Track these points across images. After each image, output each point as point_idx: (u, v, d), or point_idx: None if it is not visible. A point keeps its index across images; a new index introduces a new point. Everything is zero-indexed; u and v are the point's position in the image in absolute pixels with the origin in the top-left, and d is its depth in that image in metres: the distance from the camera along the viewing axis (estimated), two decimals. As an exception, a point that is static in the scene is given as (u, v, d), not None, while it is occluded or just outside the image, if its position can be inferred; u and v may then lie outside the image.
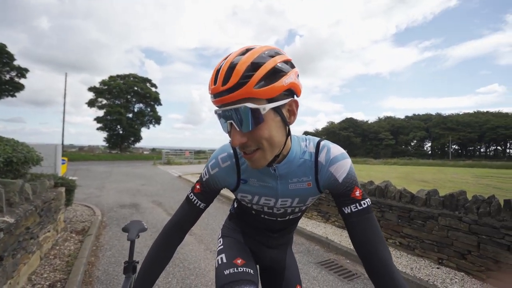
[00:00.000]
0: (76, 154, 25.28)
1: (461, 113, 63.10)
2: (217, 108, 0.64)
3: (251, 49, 0.62)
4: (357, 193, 0.72)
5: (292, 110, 0.67)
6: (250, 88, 0.57)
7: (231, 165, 0.81)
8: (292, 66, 0.65)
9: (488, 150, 61.72)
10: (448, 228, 2.97)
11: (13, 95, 22.19)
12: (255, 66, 0.59)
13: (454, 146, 61.58)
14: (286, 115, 0.66)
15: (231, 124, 0.63)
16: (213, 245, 3.68)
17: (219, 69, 0.61)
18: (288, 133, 0.70)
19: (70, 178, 4.43)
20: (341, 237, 3.95)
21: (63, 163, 7.35)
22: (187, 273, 2.85)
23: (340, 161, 0.74)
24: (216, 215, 5.28)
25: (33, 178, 3.39)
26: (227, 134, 0.67)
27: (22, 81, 22.35)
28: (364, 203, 0.71)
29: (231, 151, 0.81)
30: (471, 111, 64.05)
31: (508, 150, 58.92)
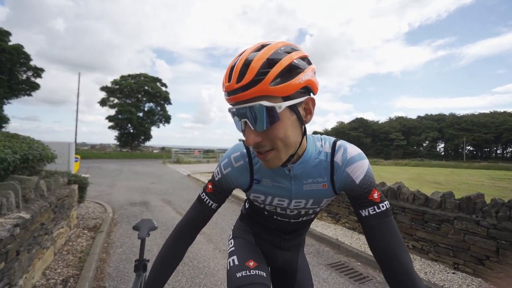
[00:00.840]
0: (88, 152, 25.89)
1: (476, 113, 61.02)
2: (230, 106, 0.63)
3: (267, 45, 0.61)
4: (375, 195, 0.70)
5: (309, 109, 0.65)
6: (266, 86, 0.55)
7: (244, 164, 0.79)
8: (309, 63, 0.64)
9: (505, 152, 59.58)
10: (465, 232, 2.87)
11: (29, 94, 22.90)
12: (271, 62, 0.57)
13: (469, 147, 59.68)
14: (302, 114, 0.64)
15: (245, 122, 0.62)
16: (222, 244, 3.68)
17: (234, 66, 0.59)
18: (304, 133, 0.69)
19: (83, 175, 4.53)
20: (352, 239, 3.88)
21: (76, 161, 7.53)
22: (196, 272, 2.86)
23: (358, 161, 0.72)
24: (225, 215, 5.28)
25: (47, 175, 3.48)
26: (241, 133, 0.66)
27: (37, 80, 23.03)
28: (383, 206, 0.69)
29: (244, 150, 0.80)
30: (487, 111, 61.86)
31: (526, 152, 56.66)
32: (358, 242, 3.77)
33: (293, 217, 0.88)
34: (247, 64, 0.57)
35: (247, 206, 1.07)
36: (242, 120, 0.62)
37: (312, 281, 1.06)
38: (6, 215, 2.08)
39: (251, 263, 0.91)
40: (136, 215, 4.95)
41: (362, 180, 0.71)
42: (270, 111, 0.57)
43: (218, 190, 0.82)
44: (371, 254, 3.32)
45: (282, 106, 0.58)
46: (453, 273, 2.88)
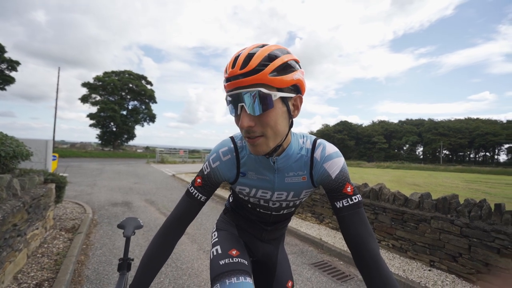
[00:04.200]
0: (68, 151, 24.85)
1: (452, 119, 64.21)
2: (228, 93, 0.68)
3: (267, 45, 0.68)
4: (349, 189, 0.77)
5: (297, 105, 0.72)
6: (266, 75, 0.62)
7: (232, 158, 0.84)
8: (300, 67, 0.72)
9: (477, 156, 62.98)
10: (440, 231, 3.00)
11: (2, 88, 21.65)
12: (271, 57, 0.64)
13: (445, 151, 62.64)
14: (291, 109, 0.71)
15: (242, 107, 0.66)
16: (207, 245, 3.64)
17: (238, 55, 0.66)
18: (291, 125, 0.73)
19: (61, 174, 4.33)
20: (335, 239, 3.95)
21: (53, 159, 7.18)
22: (179, 273, 2.81)
23: (334, 158, 0.80)
24: (210, 215, 5.24)
25: (22, 174, 3.30)
26: (234, 118, 0.71)
27: (13, 74, 21.81)
28: (355, 198, 0.76)
29: (232, 145, 0.85)
30: (462, 117, 65.16)
31: (496, 156, 60.28)
32: (341, 242, 3.85)
33: (274, 209, 0.94)
34: (250, 55, 0.64)
35: (231, 200, 1.12)
36: (239, 104, 0.66)
37: (292, 275, 1.10)
38: (-25, 215, 1.95)
39: (234, 252, 0.95)
40: (117, 216, 4.81)
41: (337, 175, 0.78)
42: (266, 98, 0.63)
43: (207, 184, 0.86)
44: None
45: (277, 94, 0.64)
46: (429, 270, 3.01)
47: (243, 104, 0.65)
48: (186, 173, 12.26)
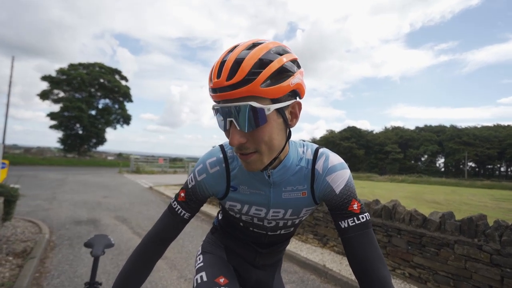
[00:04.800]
0: (21, 157, 24.46)
1: (479, 126, 65.10)
2: (215, 103, 0.71)
3: (258, 44, 0.69)
4: (355, 206, 0.79)
5: (295, 113, 0.75)
6: (257, 86, 0.63)
7: (221, 170, 0.87)
8: (299, 66, 0.73)
9: (509, 169, 63.93)
10: (466, 258, 3.01)
11: None
12: (262, 63, 0.65)
13: (471, 163, 63.43)
14: (288, 117, 0.73)
15: (230, 122, 0.68)
16: (189, 272, 3.58)
17: (224, 61, 0.66)
18: (289, 137, 0.77)
19: (12, 186, 4.24)
20: (341, 265, 3.95)
21: (3, 167, 7.03)
22: (154, 308, 2.75)
23: (339, 171, 0.82)
24: (194, 236, 5.21)
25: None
26: (224, 132, 0.73)
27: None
28: (363, 217, 0.78)
29: (221, 155, 0.88)
30: (490, 124, 65.88)
31: (531, 171, 60.90)
32: (348, 269, 3.83)
33: (270, 229, 0.96)
34: (238, 62, 0.64)
35: (220, 218, 1.14)
36: (228, 119, 0.68)
37: None
38: None
39: (222, 280, 0.96)
40: (81, 236, 4.73)
41: (342, 190, 0.80)
42: (258, 112, 0.65)
43: (191, 199, 0.88)
44: None
45: (270, 108, 0.66)
46: (454, 305, 3.00)
47: (232, 119, 0.67)
48: (166, 185, 12.25)
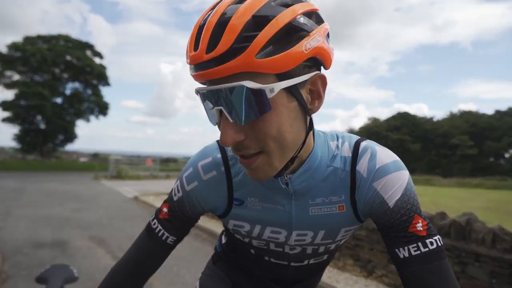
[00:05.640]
0: (-35, 160, 24.96)
1: None
2: (200, 85, 0.66)
3: None
4: (419, 226, 0.71)
5: (317, 91, 0.67)
6: (251, 58, 0.55)
7: (219, 176, 0.82)
8: (319, 21, 0.66)
9: None
10: None
11: None
12: (259, 21, 0.57)
13: None
14: (307, 99, 0.66)
15: (220, 112, 0.63)
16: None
17: (203, 25, 0.60)
18: (310, 127, 0.72)
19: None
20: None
21: None
22: None
23: (392, 173, 0.74)
24: (191, 261, 5.18)
25: None
26: (216, 127, 0.69)
27: None
28: (432, 243, 0.69)
29: (218, 155, 0.83)
30: None
31: None
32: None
33: (294, 258, 0.92)
34: (222, 24, 0.57)
35: (223, 241, 1.12)
36: (216, 108, 0.62)
37: None
38: None
39: None
40: (43, 263, 4.64)
41: (398, 201, 0.72)
42: (258, 95, 0.58)
43: (177, 216, 0.85)
44: None
45: (275, 88, 0.59)
46: None
47: (221, 108, 0.61)
48: (155, 195, 12.54)
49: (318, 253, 0.91)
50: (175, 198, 0.85)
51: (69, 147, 37.70)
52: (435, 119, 69.38)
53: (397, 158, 0.78)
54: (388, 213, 0.73)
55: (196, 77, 0.63)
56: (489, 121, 62.01)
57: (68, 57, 33.35)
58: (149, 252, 0.85)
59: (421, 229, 0.70)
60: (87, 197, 11.94)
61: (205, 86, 0.64)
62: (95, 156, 42.74)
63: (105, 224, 7.58)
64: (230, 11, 0.58)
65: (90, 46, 35.61)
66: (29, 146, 33.67)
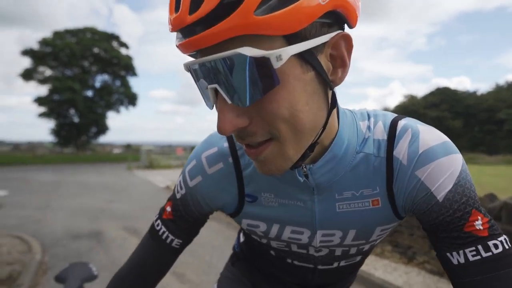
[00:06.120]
0: (8, 156, 26.23)
1: None
2: (189, 58, 0.55)
3: None
4: (479, 223, 0.58)
5: (340, 56, 0.54)
6: (249, 14, 0.43)
7: (226, 169, 0.74)
8: None
9: None
10: None
11: None
12: None
13: None
14: (327, 67, 0.54)
15: (215, 91, 0.52)
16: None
17: None
18: (333, 105, 0.59)
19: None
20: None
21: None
22: None
23: (441, 158, 0.61)
24: (224, 251, 5.15)
25: None
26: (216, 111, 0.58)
27: None
28: (497, 245, 0.56)
29: (225, 144, 0.74)
30: None
31: None
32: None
33: (321, 260, 0.82)
34: None
35: (242, 240, 1.05)
36: (210, 86, 0.51)
37: None
38: None
39: None
40: (80, 254, 4.85)
41: (449, 194, 0.60)
42: (261, 66, 0.46)
43: (181, 216, 0.77)
44: None
45: (283, 54, 0.46)
46: None
47: (216, 86, 0.50)
48: None
49: (349, 255, 0.81)
50: (178, 196, 0.77)
51: (102, 139, 38.80)
52: (478, 93, 65.73)
53: (447, 139, 0.65)
54: (436, 208, 0.61)
55: (181, 48, 0.51)
56: None
57: (96, 50, 34.13)
58: (154, 256, 0.79)
59: (481, 228, 0.58)
60: (121, 188, 12.15)
61: (194, 59, 0.52)
62: (128, 147, 43.82)
63: (138, 215, 7.67)
64: None
65: (115, 37, 36.21)
66: (65, 140, 34.95)
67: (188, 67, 0.53)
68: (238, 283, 1.02)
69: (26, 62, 33.23)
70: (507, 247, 0.56)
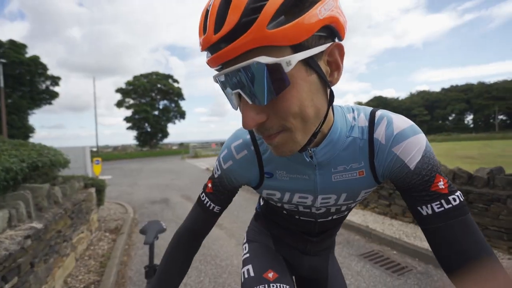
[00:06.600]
0: (111, 154, 26.91)
1: (509, 79, 56.24)
2: (216, 72, 0.45)
3: None
4: (441, 184, 0.51)
5: (335, 61, 0.45)
6: (262, 29, 0.37)
7: (249, 155, 0.64)
8: None
9: (543, 118, 54.80)
10: (521, 212, 2.49)
11: (50, 103, 23.89)
12: None
13: (502, 116, 55.69)
14: (326, 71, 0.45)
15: (239, 95, 0.44)
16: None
17: (208, 9, 0.41)
18: (331, 100, 0.49)
19: (102, 177, 4.54)
20: (384, 225, 3.60)
21: (97, 164, 7.74)
22: (219, 271, 2.73)
23: (410, 137, 0.53)
24: (246, 207, 5.15)
25: (64, 181, 3.46)
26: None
27: (56, 88, 23.95)
28: (455, 199, 0.49)
29: (247, 136, 0.64)
30: (521, 75, 56.89)
31: None
32: (391, 228, 3.48)
33: (320, 216, 0.72)
34: (227, 0, 0.39)
35: (261, 204, 0.92)
36: (234, 91, 0.43)
37: None
38: (17, 226, 2.00)
39: (271, 274, 0.77)
40: (156, 214, 4.95)
41: (419, 163, 0.52)
42: (274, 71, 0.39)
43: (219, 190, 0.68)
44: (409, 242, 3.10)
45: (292, 60, 0.39)
46: (509, 258, 2.53)
47: (239, 91, 0.43)
48: None
49: (341, 211, 0.73)
50: (215, 176, 0.69)
51: (165, 140, 39.29)
52: (400, 99, 68.01)
53: (412, 122, 0.57)
54: (409, 175, 0.53)
55: (210, 62, 0.43)
56: (438, 96, 61.39)
57: (159, 85, 34.79)
58: (201, 218, 0.71)
59: (443, 187, 0.52)
60: (178, 171, 12.11)
61: (221, 71, 0.44)
62: (181, 144, 43.96)
63: (189, 187, 7.65)
64: None
65: (170, 77, 36.63)
66: (143, 142, 35.73)
67: (216, 79, 0.46)
68: (261, 233, 0.92)
69: (118, 96, 34.63)
70: (462, 199, 0.50)
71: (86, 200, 3.41)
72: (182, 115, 37.54)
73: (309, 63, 0.42)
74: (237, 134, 0.66)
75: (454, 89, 62.82)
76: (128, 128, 34.88)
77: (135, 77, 34.83)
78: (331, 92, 0.48)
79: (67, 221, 2.69)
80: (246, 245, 0.90)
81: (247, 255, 0.85)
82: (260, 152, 0.63)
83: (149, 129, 35.57)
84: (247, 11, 0.37)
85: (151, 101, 35.23)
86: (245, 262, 0.82)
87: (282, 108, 0.43)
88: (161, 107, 36.89)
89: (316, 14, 0.39)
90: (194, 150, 22.69)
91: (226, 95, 0.47)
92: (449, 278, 0.49)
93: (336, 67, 0.46)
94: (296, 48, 0.40)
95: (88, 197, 3.55)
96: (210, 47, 0.40)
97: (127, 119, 34.42)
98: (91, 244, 3.35)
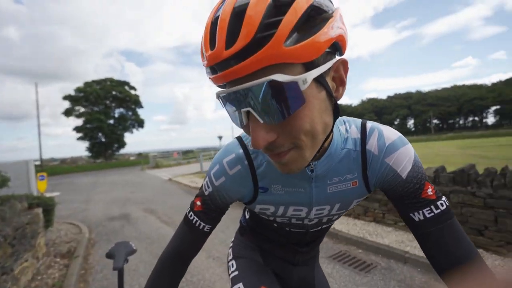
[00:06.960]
0: (58, 167, 24.19)
1: (439, 89, 65.21)
2: (219, 88, 0.43)
3: None
4: (429, 191, 0.53)
5: (340, 77, 0.44)
6: (279, 46, 0.34)
7: (243, 170, 0.60)
8: (332, 2, 0.44)
9: (466, 122, 64.46)
10: (462, 205, 2.83)
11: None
12: (280, 4, 0.35)
13: (435, 121, 64.06)
14: (332, 87, 0.44)
15: (248, 113, 0.41)
16: (216, 251, 3.41)
17: (216, 21, 0.38)
18: (336, 115, 0.47)
19: (49, 195, 4.01)
20: (348, 226, 3.79)
21: (41, 179, 6.85)
22: (191, 288, 2.58)
23: (400, 148, 0.55)
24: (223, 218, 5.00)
25: (2, 202, 2.97)
26: (243, 129, 0.45)
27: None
28: (442, 204, 0.52)
29: (240, 150, 0.61)
30: (448, 85, 66.37)
31: (484, 120, 61.76)
32: (355, 228, 3.68)
33: (311, 226, 0.71)
34: (239, 13, 0.35)
35: (247, 217, 0.87)
36: (243, 110, 0.40)
37: None
38: None
39: None
40: (116, 231, 4.56)
41: (410, 172, 0.53)
42: (290, 89, 0.37)
43: (210, 208, 0.63)
44: (372, 240, 3.31)
45: (308, 78, 0.37)
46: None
47: (250, 109, 0.39)
48: (182, 175, 12.04)
49: (332, 220, 0.72)
50: (206, 193, 0.64)
51: (122, 151, 36.61)
52: (353, 105, 76.13)
53: (400, 134, 0.59)
54: (401, 184, 0.55)
55: (216, 80, 0.40)
56: (384, 103, 69.41)
57: (114, 92, 32.53)
58: (190, 239, 0.66)
59: (431, 193, 0.54)
60: (138, 182, 11.48)
61: (225, 89, 0.41)
62: (140, 154, 41.57)
63: (152, 199, 7.25)
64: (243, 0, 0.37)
65: (127, 83, 34.50)
66: (96, 154, 32.82)
67: (220, 94, 0.42)
68: (247, 247, 0.88)
69: (66, 104, 31.26)
70: (447, 204, 0.53)
71: (31, 222, 2.97)
72: (140, 123, 35.40)
73: (319, 80, 0.40)
74: (229, 149, 0.62)
75: (397, 96, 70.91)
76: (79, 138, 31.60)
77: (87, 83, 31.88)
78: (337, 107, 0.47)
79: (6, 249, 2.31)
80: (233, 261, 0.84)
81: (236, 272, 0.80)
82: (254, 166, 0.60)
83: (103, 139, 32.78)
84: (263, 26, 0.34)
85: (106, 109, 32.58)
86: (234, 280, 0.77)
87: (295, 127, 0.41)
88: (116, 115, 34.38)
89: (329, 32, 0.38)
90: (155, 160, 21.64)
91: (229, 113, 0.44)
92: (442, 279, 0.51)
93: (341, 82, 0.45)
94: (308, 66, 0.38)
95: (34, 218, 3.10)
96: (219, 63, 0.37)
97: (77, 129, 31.20)
98: (38, 273, 2.91)
